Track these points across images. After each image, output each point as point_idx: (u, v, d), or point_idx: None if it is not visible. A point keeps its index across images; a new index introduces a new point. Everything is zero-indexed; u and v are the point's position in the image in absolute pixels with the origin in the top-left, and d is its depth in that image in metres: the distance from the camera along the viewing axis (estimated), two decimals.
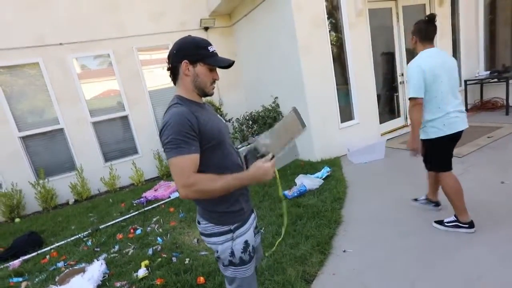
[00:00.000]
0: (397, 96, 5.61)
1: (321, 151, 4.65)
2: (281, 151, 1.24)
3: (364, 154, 4.37)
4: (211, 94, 1.28)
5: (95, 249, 3.13)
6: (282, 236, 2.16)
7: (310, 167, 4.35)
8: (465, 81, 6.13)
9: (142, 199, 4.32)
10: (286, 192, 3.55)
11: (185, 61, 1.18)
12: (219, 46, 5.56)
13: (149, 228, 3.43)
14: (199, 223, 1.31)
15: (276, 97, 5.23)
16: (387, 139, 5.07)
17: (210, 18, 5.85)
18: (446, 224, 2.44)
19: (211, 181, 1.11)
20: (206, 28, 5.94)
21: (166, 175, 5.49)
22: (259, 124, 5.31)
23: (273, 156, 1.21)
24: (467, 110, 6.16)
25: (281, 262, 2.35)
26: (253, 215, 1.41)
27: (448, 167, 2.39)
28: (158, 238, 3.12)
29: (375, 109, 5.14)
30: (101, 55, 5.23)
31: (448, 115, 2.32)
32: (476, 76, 6.13)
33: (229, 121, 5.98)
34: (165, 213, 3.80)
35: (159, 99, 5.71)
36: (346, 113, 4.94)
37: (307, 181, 3.62)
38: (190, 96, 1.24)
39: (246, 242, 1.29)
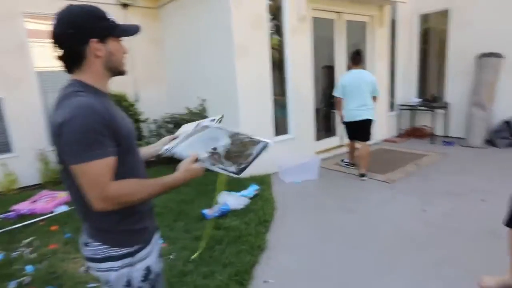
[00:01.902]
0: (334, 113, 6.16)
1: (251, 166, 4.76)
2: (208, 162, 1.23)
3: (296, 173, 4.63)
4: (125, 72, 1.24)
5: None
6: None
7: (236, 184, 4.39)
8: (399, 106, 7.11)
9: (11, 213, 3.76)
10: (206, 211, 3.52)
11: (93, 39, 1.09)
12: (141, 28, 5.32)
13: (15, 253, 2.98)
14: (86, 245, 1.20)
15: (204, 100, 5.22)
16: (322, 159, 5.49)
17: None
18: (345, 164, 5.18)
19: (134, 190, 1.07)
20: (124, 5, 5.64)
21: (52, 183, 4.89)
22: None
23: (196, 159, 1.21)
24: (400, 135, 7.12)
25: None
26: (157, 235, 1.36)
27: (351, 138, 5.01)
28: (28, 267, 2.72)
29: (312, 124, 5.55)
30: None
31: (350, 110, 4.66)
32: (409, 102, 7.16)
33: (144, 121, 5.71)
34: (44, 232, 3.37)
35: (53, 83, 5.13)
36: (281, 126, 5.20)
37: (231, 200, 3.66)
38: (97, 83, 1.15)
39: (147, 268, 1.23)
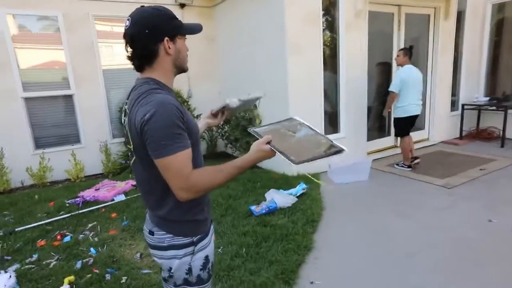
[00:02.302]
0: (389, 112, 5.84)
1: (299, 164, 4.71)
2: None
3: (346, 174, 4.49)
4: (187, 69, 1.30)
5: (5, 257, 2.93)
6: None
7: (284, 182, 4.40)
8: (463, 105, 6.55)
9: (78, 199, 4.13)
10: (253, 207, 3.56)
11: (166, 38, 1.16)
12: None
13: (81, 236, 3.27)
14: (152, 233, 1.27)
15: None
16: (373, 160, 5.26)
17: None
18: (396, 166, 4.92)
19: (212, 177, 1.14)
20: (182, 5, 5.87)
21: (112, 173, 5.29)
22: (232, 125, 5.30)
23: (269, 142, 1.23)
24: (462, 136, 6.57)
25: None
26: (212, 227, 1.42)
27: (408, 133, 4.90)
28: (92, 249, 2.98)
29: (364, 124, 5.33)
30: (47, 17, 4.97)
31: (409, 104, 4.71)
32: (474, 101, 6.56)
33: (197, 117, 5.92)
34: (105, 219, 3.65)
35: (115, 81, 5.53)
36: (332, 125, 5.06)
37: (279, 198, 3.65)
38: (167, 81, 1.22)
39: (206, 257, 1.29)
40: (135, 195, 4.19)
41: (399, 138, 5.14)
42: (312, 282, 2.45)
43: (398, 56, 4.78)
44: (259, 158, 1.19)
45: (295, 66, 4.50)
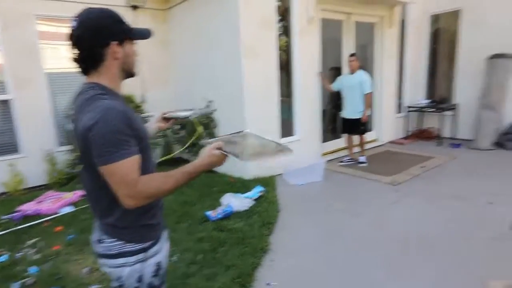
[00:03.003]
0: (338, 114, 6.10)
1: (256, 168, 4.75)
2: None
3: (301, 175, 4.60)
4: (136, 74, 1.28)
5: None
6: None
7: (241, 185, 4.40)
8: (408, 107, 7.02)
9: (16, 213, 3.79)
10: (209, 212, 3.51)
11: (114, 42, 1.13)
12: None
13: (19, 254, 3.00)
14: (100, 241, 1.22)
15: (211, 101, 5.21)
16: (327, 160, 5.44)
17: None
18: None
19: (160, 184, 1.10)
20: (134, 7, 5.67)
21: (58, 184, 4.93)
22: (188, 130, 5.21)
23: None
24: (407, 136, 7.04)
25: None
26: (165, 233, 1.39)
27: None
28: (31, 268, 2.74)
29: (319, 126, 5.50)
30: None
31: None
32: (417, 104, 7.06)
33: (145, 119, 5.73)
34: (49, 233, 3.39)
35: (62, 85, 5.18)
36: (287, 128, 5.16)
37: (235, 202, 3.64)
38: (114, 86, 1.19)
39: (158, 263, 1.27)
40: (84, 206, 3.94)
41: (357, 136, 5.43)
42: (268, 284, 2.46)
43: (353, 61, 5.04)
44: (210, 164, 1.17)
45: (250, 69, 4.53)
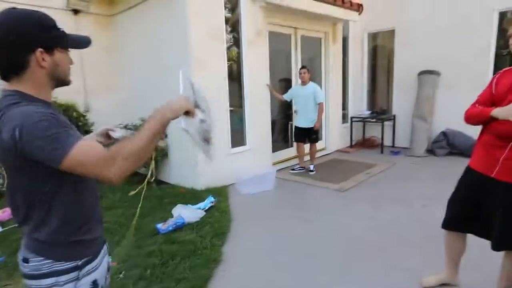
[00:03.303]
0: (291, 125, 6.30)
1: (207, 177, 4.70)
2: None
3: (253, 184, 4.65)
4: (70, 82, 1.18)
5: None
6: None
7: (192, 196, 4.32)
8: (351, 118, 7.46)
9: None
10: (160, 225, 3.39)
11: (40, 49, 1.02)
12: (93, 36, 4.92)
13: None
14: (26, 260, 1.11)
15: None
16: (278, 170, 5.56)
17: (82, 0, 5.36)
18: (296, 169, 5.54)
19: (129, 143, 1.03)
20: (75, 11, 5.39)
21: None
22: None
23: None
24: (352, 145, 7.45)
25: None
26: (105, 247, 1.30)
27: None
28: None
29: (269, 136, 5.62)
30: None
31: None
32: (360, 114, 7.53)
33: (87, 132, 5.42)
34: None
35: None
36: (238, 138, 5.20)
37: (186, 213, 3.57)
38: (40, 94, 1.07)
39: (94, 282, 1.17)
40: (14, 225, 3.58)
41: (307, 145, 5.64)
42: None
43: (305, 73, 5.26)
44: (167, 104, 1.15)
45: (200, 79, 4.50)
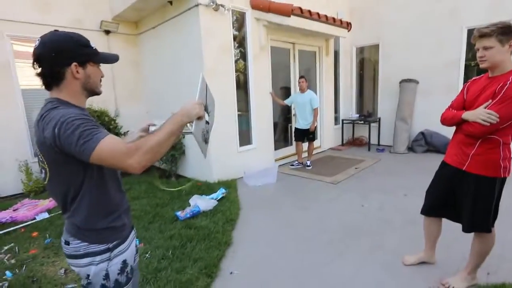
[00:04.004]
0: (290, 126, 6.29)
1: (219, 172, 4.72)
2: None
3: (258, 178, 4.65)
4: (101, 92, 1.21)
5: None
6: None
7: (207, 188, 4.34)
8: (342, 120, 7.42)
9: None
10: (179, 213, 3.42)
11: (74, 63, 1.08)
12: (121, 53, 5.05)
13: None
14: (67, 243, 1.15)
15: None
16: (280, 165, 5.56)
17: (113, 22, 5.40)
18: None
19: (149, 140, 1.01)
20: (107, 32, 5.44)
21: (34, 192, 4.51)
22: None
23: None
24: (343, 143, 7.41)
25: None
26: (133, 232, 1.32)
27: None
28: (7, 272, 2.47)
29: (271, 136, 5.61)
30: None
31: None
32: (349, 117, 7.49)
33: (124, 134, 5.47)
34: (25, 239, 3.08)
35: (36, 101, 4.78)
36: (245, 138, 5.21)
37: (201, 202, 3.58)
38: (76, 101, 1.12)
39: (124, 261, 1.20)
40: (59, 212, 3.65)
41: (305, 144, 5.64)
42: (231, 273, 2.45)
43: (303, 82, 5.25)
44: (184, 112, 1.10)
45: (212, 86, 4.50)
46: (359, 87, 7.75)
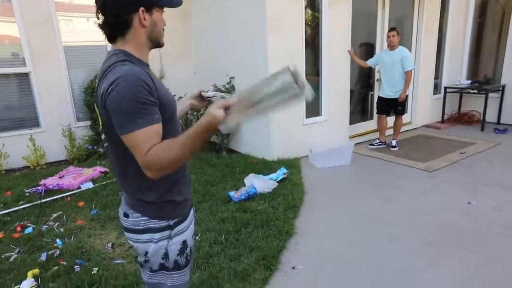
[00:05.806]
0: (372, 95, 5.99)
1: (279, 148, 4.78)
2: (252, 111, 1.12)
3: (328, 158, 4.60)
4: (163, 44, 1.29)
5: None
6: None
7: (264, 167, 4.45)
8: (445, 88, 6.81)
9: (39, 187, 4.00)
10: (232, 193, 3.59)
11: (142, 8, 1.13)
12: None
13: (45, 227, 3.19)
14: (126, 215, 1.27)
15: (232, 77, 5.23)
16: (356, 143, 5.40)
17: None
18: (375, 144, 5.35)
19: (167, 151, 1.05)
20: None
21: (77, 160, 5.15)
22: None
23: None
24: (443, 120, 6.86)
25: (217, 277, 2.37)
26: (192, 211, 1.43)
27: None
28: (58, 240, 2.92)
29: (347, 107, 5.44)
30: None
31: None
32: (457, 84, 6.83)
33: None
34: (72, 208, 3.58)
35: (78, 59, 5.32)
36: (313, 107, 5.14)
37: (258, 183, 3.70)
38: (140, 54, 1.20)
39: (184, 242, 1.30)
40: (103, 182, 4.12)
41: (391, 118, 5.42)
42: (294, 267, 2.53)
43: (394, 36, 4.92)
44: (207, 123, 1.05)
45: (275, 43, 4.48)
46: (476, 41, 6.94)
